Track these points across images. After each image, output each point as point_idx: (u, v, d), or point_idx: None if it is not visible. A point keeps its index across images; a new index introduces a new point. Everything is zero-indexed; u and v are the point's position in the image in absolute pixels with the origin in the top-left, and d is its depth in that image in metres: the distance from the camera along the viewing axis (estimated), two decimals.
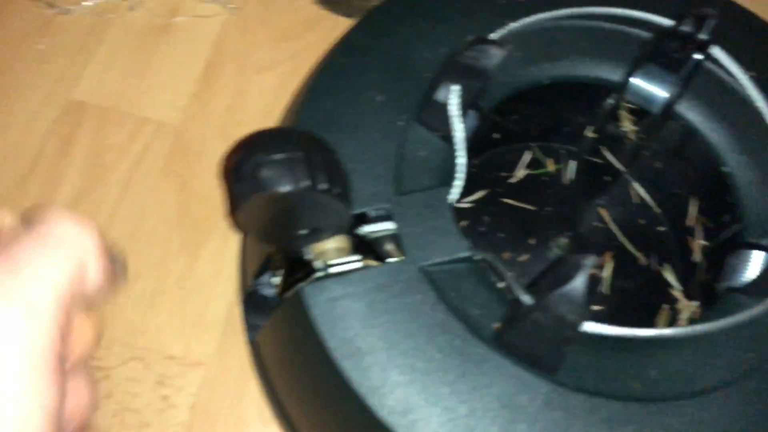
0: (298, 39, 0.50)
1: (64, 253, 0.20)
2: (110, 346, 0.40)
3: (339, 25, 0.48)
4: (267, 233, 0.28)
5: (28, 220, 0.21)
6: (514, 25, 0.34)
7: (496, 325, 0.31)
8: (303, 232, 0.28)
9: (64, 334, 0.20)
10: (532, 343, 0.29)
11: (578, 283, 0.26)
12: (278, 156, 0.24)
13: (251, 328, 0.39)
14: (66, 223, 0.21)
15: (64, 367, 0.20)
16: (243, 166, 0.24)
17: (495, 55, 0.31)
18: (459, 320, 0.30)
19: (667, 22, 0.35)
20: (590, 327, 0.28)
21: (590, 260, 0.26)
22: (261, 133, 0.25)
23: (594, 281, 0.26)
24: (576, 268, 0.26)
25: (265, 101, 0.48)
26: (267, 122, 0.46)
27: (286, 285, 0.33)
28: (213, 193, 0.44)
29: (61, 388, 0.19)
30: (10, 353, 0.18)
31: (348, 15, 0.50)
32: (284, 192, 0.23)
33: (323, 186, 0.24)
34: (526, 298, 0.29)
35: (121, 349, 0.40)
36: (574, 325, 0.27)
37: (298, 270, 0.32)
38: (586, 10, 0.36)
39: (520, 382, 0.29)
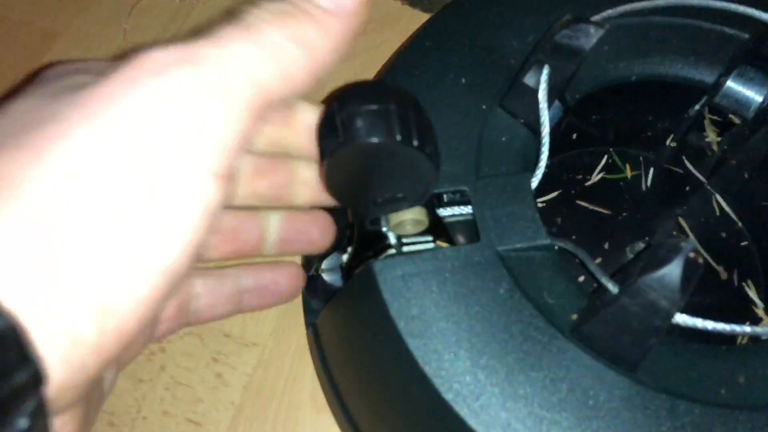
0: (376, 33, 0.50)
1: (273, 55, 0.18)
2: None
3: (418, 21, 0.48)
4: (349, 195, 0.27)
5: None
6: (609, 12, 0.34)
7: (575, 316, 0.29)
8: (385, 197, 0.27)
9: (248, 138, 0.18)
10: (614, 335, 0.27)
11: (675, 266, 0.24)
12: (371, 107, 0.23)
13: (310, 312, 0.38)
14: (282, 31, 0.18)
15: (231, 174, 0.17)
16: (335, 116, 0.23)
17: (593, 35, 0.30)
18: (535, 308, 0.29)
19: None
20: (682, 319, 0.26)
21: (690, 244, 0.24)
22: (354, 85, 0.24)
23: (693, 267, 0.24)
24: (674, 252, 0.24)
25: None
26: None
27: (356, 261, 0.32)
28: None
29: (225, 193, 0.17)
30: (188, 130, 0.16)
31: (428, 10, 0.49)
32: (375, 143, 0.23)
33: (415, 142, 0.24)
34: (612, 286, 0.27)
35: None
36: (666, 314, 0.25)
37: (370, 246, 0.32)
38: (685, 1, 0.35)
39: (599, 377, 0.28)
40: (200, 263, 0.27)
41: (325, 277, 0.38)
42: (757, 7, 0.34)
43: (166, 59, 0.17)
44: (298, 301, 0.40)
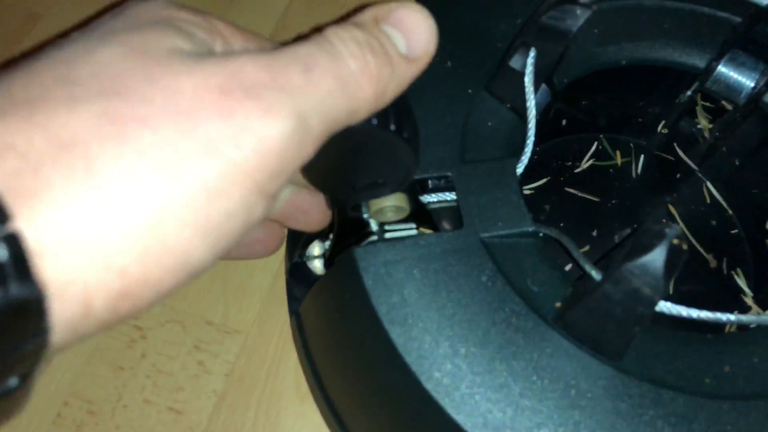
0: None
1: (348, 91, 0.19)
2: None
3: None
4: (328, 182, 0.27)
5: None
6: None
7: (558, 304, 0.29)
8: (364, 183, 0.27)
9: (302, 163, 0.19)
10: (597, 323, 0.27)
11: (658, 253, 0.24)
12: None
13: (294, 299, 0.38)
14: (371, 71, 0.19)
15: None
16: None
17: (579, 16, 0.29)
18: (518, 295, 0.29)
19: (762, 1, 0.33)
20: (666, 307, 0.26)
21: (674, 230, 0.24)
22: None
23: (677, 254, 0.24)
24: (657, 238, 0.24)
25: None
26: None
27: (338, 248, 0.31)
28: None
29: (268, 209, 0.18)
30: (257, 151, 0.17)
31: None
32: (351, 127, 0.22)
33: (392, 126, 0.23)
34: (596, 273, 0.27)
35: (159, 310, 0.39)
36: (649, 301, 0.24)
37: (351, 233, 0.31)
38: None
39: (581, 366, 0.27)
40: None
41: (309, 263, 0.38)
42: None
43: (257, 78, 0.17)
44: (282, 288, 0.40)
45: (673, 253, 0.24)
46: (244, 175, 0.17)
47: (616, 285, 0.25)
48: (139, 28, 0.18)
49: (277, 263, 0.41)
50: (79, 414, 0.36)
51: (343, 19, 0.21)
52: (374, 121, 0.22)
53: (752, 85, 0.34)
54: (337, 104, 0.19)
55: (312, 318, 0.35)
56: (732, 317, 0.26)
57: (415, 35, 0.21)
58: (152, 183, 0.16)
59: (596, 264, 0.28)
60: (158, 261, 0.16)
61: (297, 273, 0.37)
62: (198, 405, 0.37)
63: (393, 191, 0.28)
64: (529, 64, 0.31)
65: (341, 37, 0.19)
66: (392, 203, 0.28)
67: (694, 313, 0.26)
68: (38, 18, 0.48)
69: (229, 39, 0.20)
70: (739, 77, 0.35)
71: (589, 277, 0.27)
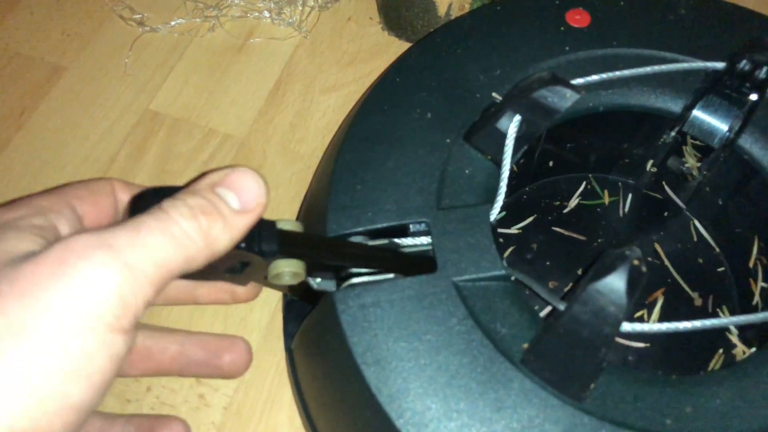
0: (364, 63, 0.51)
1: (180, 244, 0.22)
2: None
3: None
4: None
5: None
6: (588, 80, 0.35)
7: (526, 345, 0.30)
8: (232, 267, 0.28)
9: (151, 301, 0.22)
10: (565, 352, 0.28)
11: (620, 273, 0.25)
12: None
13: (288, 336, 0.39)
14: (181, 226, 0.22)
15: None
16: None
17: (569, 99, 0.31)
18: (487, 337, 0.30)
19: (719, 65, 0.34)
20: (630, 327, 0.27)
21: (635, 252, 0.25)
22: (153, 189, 0.25)
23: (638, 273, 0.25)
24: (619, 260, 0.25)
25: (327, 120, 0.49)
26: (326, 140, 0.48)
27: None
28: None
29: (130, 342, 0.21)
30: (103, 299, 0.20)
31: (413, 41, 0.51)
32: None
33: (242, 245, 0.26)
34: (562, 306, 0.28)
35: None
36: (615, 319, 0.26)
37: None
38: (638, 71, 0.36)
39: (545, 406, 0.28)
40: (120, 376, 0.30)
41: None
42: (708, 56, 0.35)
43: (89, 243, 0.21)
44: (280, 325, 0.42)
45: (633, 272, 0.25)
46: (89, 319, 0.20)
47: (583, 306, 0.26)
48: None
49: (275, 301, 0.43)
50: None
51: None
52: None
53: (726, 129, 0.35)
54: (169, 254, 0.22)
55: (301, 355, 0.36)
56: (688, 325, 0.27)
57: (246, 192, 0.24)
58: (7, 347, 0.19)
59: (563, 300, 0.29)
60: (41, 407, 0.19)
61: (291, 311, 0.39)
62: None
63: (259, 269, 0.29)
64: (512, 131, 0.32)
65: (174, 205, 0.23)
66: (289, 269, 0.29)
67: (656, 327, 0.27)
68: (63, 70, 0.52)
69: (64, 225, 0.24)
70: (713, 122, 0.36)
71: (557, 311, 0.28)
